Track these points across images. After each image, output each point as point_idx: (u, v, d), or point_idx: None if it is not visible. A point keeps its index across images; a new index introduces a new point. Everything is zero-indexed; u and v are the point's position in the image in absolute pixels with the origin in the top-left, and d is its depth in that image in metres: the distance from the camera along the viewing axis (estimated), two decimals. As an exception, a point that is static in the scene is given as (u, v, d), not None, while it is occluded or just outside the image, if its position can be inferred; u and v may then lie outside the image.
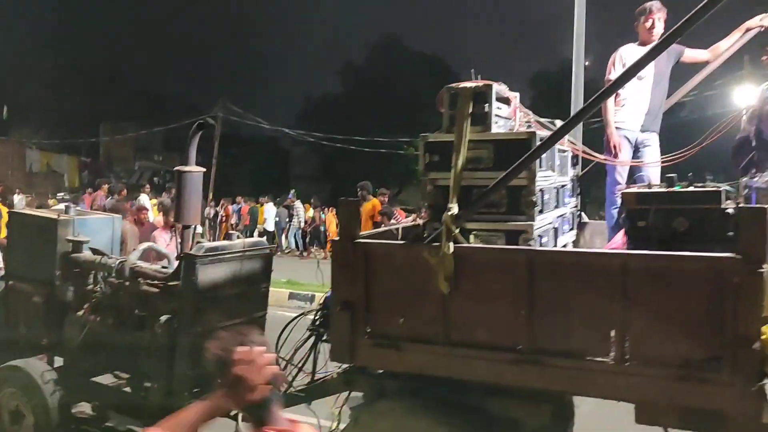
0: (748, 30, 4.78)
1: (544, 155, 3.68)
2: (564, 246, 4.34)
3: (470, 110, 3.52)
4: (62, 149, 39.83)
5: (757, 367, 2.90)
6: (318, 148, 38.45)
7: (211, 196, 31.17)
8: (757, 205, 3.04)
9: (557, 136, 3.26)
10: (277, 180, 41.35)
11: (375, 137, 29.78)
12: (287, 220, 23.59)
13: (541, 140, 3.38)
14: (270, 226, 23.45)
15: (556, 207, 4.05)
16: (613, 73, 5.14)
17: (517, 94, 3.98)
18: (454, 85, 3.64)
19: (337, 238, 3.66)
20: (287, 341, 4.43)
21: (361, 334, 3.61)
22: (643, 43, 5.18)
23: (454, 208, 3.39)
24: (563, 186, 4.36)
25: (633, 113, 5.25)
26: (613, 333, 3.14)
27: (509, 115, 3.88)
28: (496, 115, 3.68)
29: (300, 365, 4.39)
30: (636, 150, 5.29)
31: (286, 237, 23.81)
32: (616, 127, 5.19)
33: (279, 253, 23.33)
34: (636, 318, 3.11)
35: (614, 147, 4.98)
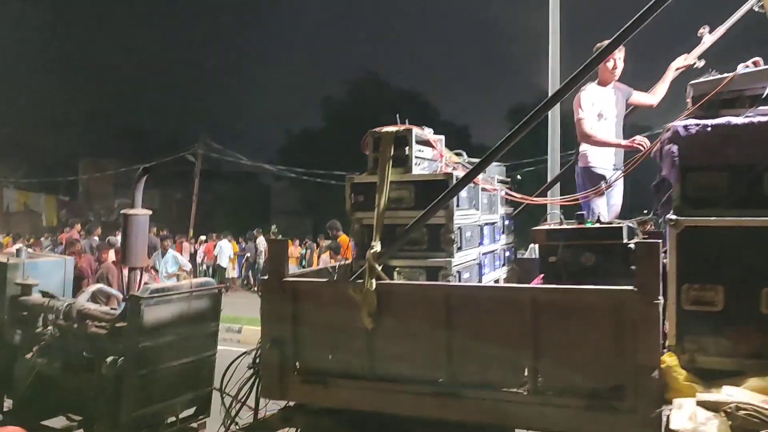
0: (677, 69, 5.02)
1: (465, 195, 3.85)
2: (496, 281, 4.48)
3: (392, 153, 3.68)
4: (40, 188, 39.73)
5: (657, 394, 3.04)
6: (299, 183, 38.67)
7: (191, 233, 31.20)
8: (651, 241, 3.20)
9: (469, 177, 3.44)
10: (258, 215, 41.39)
11: (356, 172, 30.11)
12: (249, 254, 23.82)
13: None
14: (223, 262, 23.51)
15: (481, 244, 4.20)
16: (581, 113, 5.13)
17: (442, 137, 4.17)
18: (377, 129, 3.81)
19: (266, 277, 3.78)
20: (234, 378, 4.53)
21: (290, 371, 3.71)
22: (603, 83, 5.24)
23: (377, 246, 3.54)
24: (493, 224, 4.52)
25: (604, 152, 5.26)
26: (525, 365, 3.27)
27: (435, 157, 4.05)
28: (420, 158, 3.84)
29: (243, 402, 4.46)
30: (608, 188, 5.14)
31: (243, 271, 24.06)
32: (591, 166, 5.19)
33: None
34: (546, 350, 3.25)
35: (639, 144, 4.74)
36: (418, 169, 3.85)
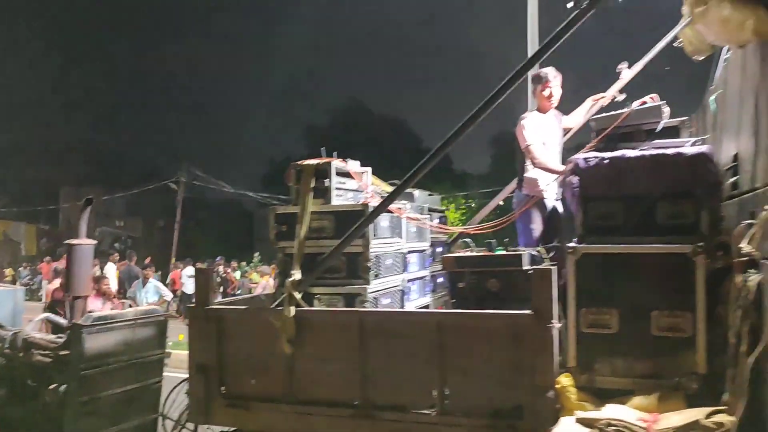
0: (595, 101, 5.22)
1: (386, 224, 4.03)
2: (425, 307, 4.64)
3: (313, 185, 3.86)
4: (20, 217, 39.57)
5: (553, 413, 3.20)
6: (282, 210, 38.65)
7: (173, 260, 31.14)
8: (544, 267, 3.39)
9: (380, 208, 3.62)
10: (241, 242, 41.36)
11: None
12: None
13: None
14: (188, 289, 23.40)
15: (405, 271, 4.37)
16: (529, 140, 5.02)
17: (368, 169, 4.35)
18: (299, 162, 4.00)
19: (193, 305, 3.92)
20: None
21: (215, 395, 3.84)
22: (541, 110, 5.29)
23: (297, 275, 3.70)
24: (421, 251, 4.69)
25: (548, 179, 5.13)
26: (434, 387, 3.43)
27: (360, 187, 4.24)
28: (342, 189, 4.03)
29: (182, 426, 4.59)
30: (550, 217, 5.17)
31: None
32: (534, 195, 5.13)
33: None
34: (452, 372, 3.41)
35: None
36: (342, 200, 4.03)
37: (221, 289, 22.48)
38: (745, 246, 2.60)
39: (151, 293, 14.07)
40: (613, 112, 3.90)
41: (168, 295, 15.66)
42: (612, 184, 3.57)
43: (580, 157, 3.67)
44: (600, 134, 3.84)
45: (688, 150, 3.50)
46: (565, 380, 3.28)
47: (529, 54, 7.82)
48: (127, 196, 39.52)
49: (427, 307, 4.69)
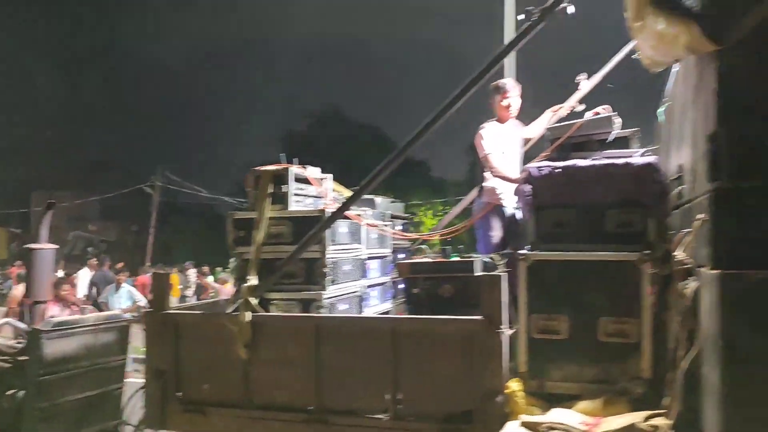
0: (554, 111, 5.32)
1: (345, 230, 4.07)
2: (386, 313, 4.69)
3: (271, 190, 3.89)
4: (-9, 220, 38.92)
5: (501, 418, 3.25)
6: (258, 216, 38.46)
7: (148, 264, 30.83)
8: (494, 273, 3.46)
9: (336, 214, 3.66)
10: (217, 247, 41.04)
11: (314, 204, 30.29)
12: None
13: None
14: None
15: (365, 277, 4.41)
16: (487, 149, 5.15)
17: (330, 176, 4.39)
18: (258, 167, 4.03)
19: (149, 310, 3.92)
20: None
21: (171, 400, 3.84)
22: (500, 120, 5.36)
23: (253, 280, 3.73)
24: (383, 257, 4.74)
25: (507, 188, 5.16)
26: (387, 392, 3.47)
27: (320, 193, 4.27)
28: (301, 195, 4.06)
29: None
30: (509, 224, 5.21)
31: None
32: (500, 204, 5.19)
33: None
34: (406, 377, 3.46)
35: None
36: (301, 206, 4.06)
37: (196, 296, 22.28)
38: (679, 254, 2.68)
39: (125, 298, 13.94)
40: (566, 122, 3.99)
41: (142, 300, 15.53)
42: (563, 193, 3.65)
43: (533, 166, 3.74)
44: (554, 143, 3.92)
45: (636, 160, 3.59)
46: (514, 385, 3.34)
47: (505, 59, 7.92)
48: (101, 200, 39.08)
49: (387, 312, 4.74)
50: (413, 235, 5.05)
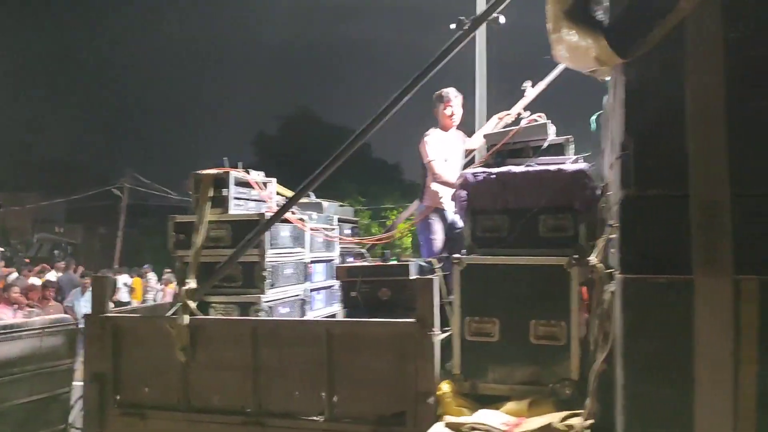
0: (500, 119, 5.42)
1: (287, 234, 4.11)
2: (331, 316, 4.72)
3: (211, 194, 3.91)
4: (-48, 223, 38.07)
5: (432, 419, 3.32)
6: (229, 217, 38.21)
7: (116, 268, 30.43)
8: (427, 277, 3.52)
9: (275, 217, 3.70)
10: (187, 250, 40.55)
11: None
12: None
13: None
14: (122, 297, 22.91)
15: (309, 281, 4.45)
16: (431, 155, 5.26)
17: (274, 180, 4.43)
18: (199, 171, 4.04)
19: (88, 313, 3.92)
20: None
21: (110, 404, 3.84)
22: (443, 128, 5.49)
23: (192, 283, 3.75)
24: (329, 261, 4.78)
25: (449, 194, 5.23)
26: (323, 394, 3.52)
27: (263, 197, 4.30)
28: (242, 198, 4.08)
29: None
30: (450, 229, 5.32)
31: None
32: (436, 208, 5.28)
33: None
34: (340, 379, 3.50)
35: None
36: (242, 210, 4.08)
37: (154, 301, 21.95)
38: (592, 258, 2.77)
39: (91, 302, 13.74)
40: (502, 130, 4.07)
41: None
42: (498, 198, 3.73)
43: (469, 172, 3.82)
44: (490, 150, 4.01)
45: (568, 167, 3.68)
46: (445, 386, 3.40)
47: (478, 62, 8.04)
48: (68, 202, 38.48)
49: (333, 316, 4.77)
50: (352, 240, 5.10)
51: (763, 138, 2.30)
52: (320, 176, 3.59)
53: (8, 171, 41.71)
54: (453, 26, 3.39)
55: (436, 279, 3.42)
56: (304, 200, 4.92)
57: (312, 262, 4.48)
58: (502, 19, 3.42)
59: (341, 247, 5.27)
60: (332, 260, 4.86)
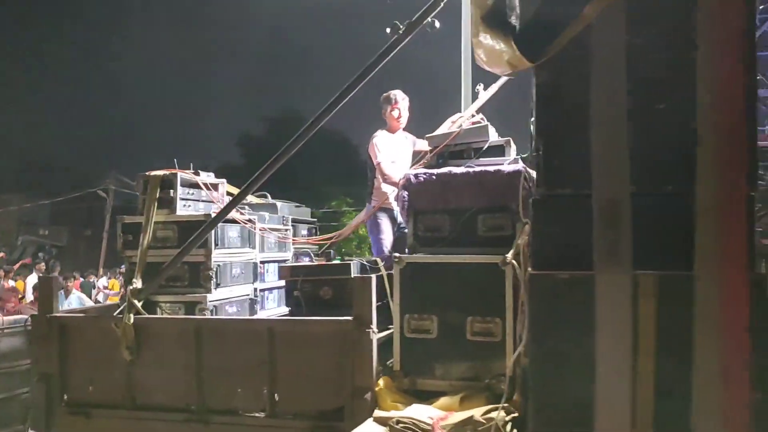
0: (453, 122, 5.49)
1: (235, 234, 4.17)
2: (285, 315, 4.78)
3: (158, 195, 3.97)
4: (-66, 225, 37.74)
5: (369, 414, 3.39)
6: (214, 219, 38.11)
7: (101, 270, 30.32)
8: (364, 276, 3.59)
9: (218, 218, 3.76)
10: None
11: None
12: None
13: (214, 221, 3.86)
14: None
15: (261, 280, 4.51)
16: (379, 157, 5.36)
17: (223, 180, 4.49)
18: (147, 173, 4.10)
19: (35, 313, 3.96)
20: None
21: (57, 403, 3.89)
22: (391, 129, 5.58)
23: (138, 283, 3.81)
24: (282, 261, 4.84)
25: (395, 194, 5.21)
26: (264, 390, 3.58)
27: (212, 198, 4.35)
28: (192, 200, 4.14)
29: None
30: (399, 229, 5.37)
31: None
32: (385, 208, 5.35)
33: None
34: (282, 376, 3.57)
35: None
36: (191, 211, 4.14)
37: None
38: (508, 256, 2.86)
39: (75, 305, 13.78)
40: (444, 132, 4.16)
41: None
42: (439, 199, 3.81)
43: (411, 173, 3.90)
44: (433, 152, 4.09)
45: (506, 168, 3.76)
46: (383, 382, 3.48)
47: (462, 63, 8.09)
48: (53, 204, 38.26)
49: (286, 315, 4.84)
50: (300, 240, 5.17)
51: (662, 138, 2.39)
52: (261, 177, 3.65)
53: (-10, 172, 41.36)
54: (388, 30, 3.46)
55: (374, 278, 3.49)
56: (259, 201, 5.00)
57: (263, 262, 4.55)
58: (437, 24, 3.49)
59: (298, 248, 5.34)
60: (286, 260, 4.92)
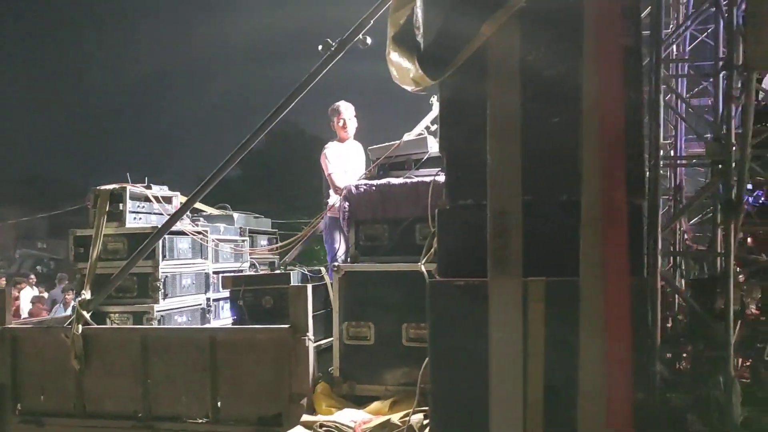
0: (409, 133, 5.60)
1: (187, 246, 4.30)
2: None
3: (107, 208, 4.10)
4: (-68, 238, 37.85)
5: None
6: (213, 230, 38.24)
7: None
8: (300, 284, 3.71)
9: (162, 230, 3.89)
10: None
11: (274, 219, 30.35)
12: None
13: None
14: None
15: (209, 290, 4.63)
16: (330, 168, 5.47)
17: (177, 193, 4.62)
18: (98, 187, 4.23)
19: (-10, 325, 4.08)
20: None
21: (10, 412, 3.99)
22: (341, 140, 5.65)
23: (87, 294, 3.93)
24: (239, 271, 4.96)
25: None
26: (207, 397, 3.69)
27: (164, 211, 4.47)
28: (144, 212, 4.27)
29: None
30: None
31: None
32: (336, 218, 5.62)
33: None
34: (224, 383, 3.69)
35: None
36: (142, 223, 4.27)
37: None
38: (420, 265, 2.97)
39: None
40: (385, 144, 4.28)
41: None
42: (378, 209, 3.94)
43: (351, 184, 4.03)
44: (374, 163, 4.21)
45: (442, 178, 3.87)
46: (320, 388, 3.59)
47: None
48: (50, 217, 38.39)
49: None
50: (258, 250, 5.29)
51: (552, 151, 2.51)
52: (204, 190, 3.78)
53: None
54: (320, 48, 3.60)
55: (309, 287, 3.60)
56: (218, 213, 5.12)
57: (216, 272, 4.66)
58: (369, 40, 3.63)
59: (260, 258, 5.46)
60: (240, 271, 5.03)
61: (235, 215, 5.20)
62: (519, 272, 2.42)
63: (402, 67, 2.78)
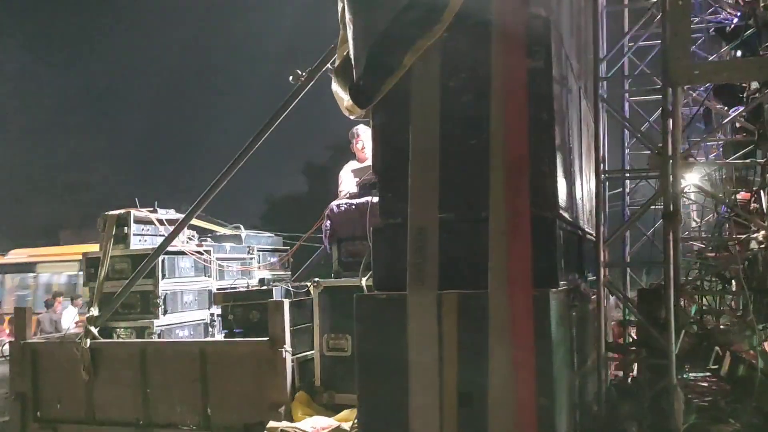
0: None
1: (189, 264, 4.63)
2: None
3: (114, 232, 4.47)
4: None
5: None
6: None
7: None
8: (278, 300, 3.94)
9: (158, 251, 4.22)
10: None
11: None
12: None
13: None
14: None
15: (212, 306, 4.94)
16: (343, 185, 5.87)
17: (180, 216, 4.96)
18: (106, 213, 4.62)
19: (12, 340, 4.52)
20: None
21: (30, 420, 4.40)
22: (360, 160, 5.99)
23: (95, 311, 4.30)
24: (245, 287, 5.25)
25: None
26: (198, 405, 3.98)
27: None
28: (150, 235, 4.63)
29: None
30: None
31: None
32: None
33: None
34: (212, 393, 3.97)
35: None
36: (147, 245, 4.63)
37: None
38: (363, 280, 3.16)
39: None
40: (367, 163, 4.47)
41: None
42: (358, 226, 4.13)
43: (333, 203, 4.25)
44: (359, 185, 4.42)
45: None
46: (298, 397, 3.81)
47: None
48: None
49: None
50: (245, 268, 5.57)
51: (469, 171, 2.65)
52: (195, 211, 4.09)
53: (69, 209, 43.64)
54: (291, 79, 3.85)
55: (287, 302, 3.84)
56: (229, 232, 5.44)
57: (219, 289, 4.96)
58: (337, 68, 3.85)
59: (274, 274, 5.74)
60: (246, 288, 5.31)
61: (243, 234, 5.50)
62: (435, 285, 2.57)
63: (339, 97, 3.00)
